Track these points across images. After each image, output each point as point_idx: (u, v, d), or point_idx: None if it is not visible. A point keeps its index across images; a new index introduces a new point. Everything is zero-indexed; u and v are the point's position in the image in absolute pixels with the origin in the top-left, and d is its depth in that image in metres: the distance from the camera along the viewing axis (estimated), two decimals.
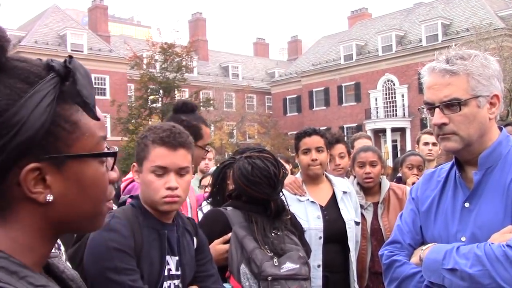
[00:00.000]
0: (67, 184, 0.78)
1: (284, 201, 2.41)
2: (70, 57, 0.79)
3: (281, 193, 2.38)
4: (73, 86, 0.77)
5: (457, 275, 1.55)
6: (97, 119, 0.80)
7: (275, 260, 2.14)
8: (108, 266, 1.71)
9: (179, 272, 1.90)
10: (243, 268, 2.14)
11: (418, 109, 1.80)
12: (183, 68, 28.07)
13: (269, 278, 2.07)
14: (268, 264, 2.11)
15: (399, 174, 4.66)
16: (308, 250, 2.42)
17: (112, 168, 0.87)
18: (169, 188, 1.83)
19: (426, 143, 4.72)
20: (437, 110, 1.68)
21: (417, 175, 4.25)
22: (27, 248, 0.78)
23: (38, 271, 0.80)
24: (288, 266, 2.13)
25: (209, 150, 2.73)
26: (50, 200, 0.77)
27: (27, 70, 0.76)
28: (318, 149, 3.09)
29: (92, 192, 0.82)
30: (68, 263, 0.93)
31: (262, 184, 2.27)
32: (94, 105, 0.79)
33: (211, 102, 29.94)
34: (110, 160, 0.86)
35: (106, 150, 0.84)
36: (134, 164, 1.94)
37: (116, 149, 0.88)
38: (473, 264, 1.52)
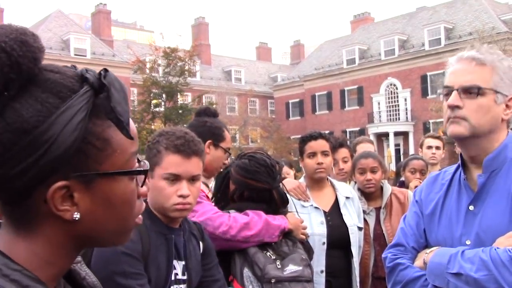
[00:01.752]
0: (95, 202, 0.76)
1: (286, 192, 2.43)
2: (106, 70, 0.76)
3: (280, 184, 2.40)
4: (106, 101, 0.73)
5: (462, 279, 1.53)
6: (131, 138, 0.77)
7: (278, 262, 2.14)
8: (116, 270, 1.70)
9: (185, 277, 1.89)
10: (246, 271, 2.13)
11: (438, 92, 1.81)
12: (186, 72, 28.13)
13: (273, 281, 2.07)
14: (271, 267, 2.10)
15: (402, 178, 4.65)
16: (310, 254, 2.43)
17: (143, 184, 0.84)
18: (181, 196, 1.84)
19: (430, 147, 4.71)
20: (454, 92, 1.66)
21: (419, 179, 4.24)
22: (46, 263, 0.76)
23: (55, 283, 0.79)
24: (291, 268, 2.13)
25: (231, 153, 2.77)
26: (77, 219, 0.75)
27: (59, 83, 0.73)
28: (324, 153, 3.09)
29: (119, 210, 0.79)
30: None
31: (262, 173, 2.29)
32: (128, 123, 0.75)
33: (214, 106, 29.95)
34: (142, 177, 0.84)
35: (137, 166, 0.82)
36: None
37: (147, 165, 0.85)
38: (479, 269, 1.51)
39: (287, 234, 2.30)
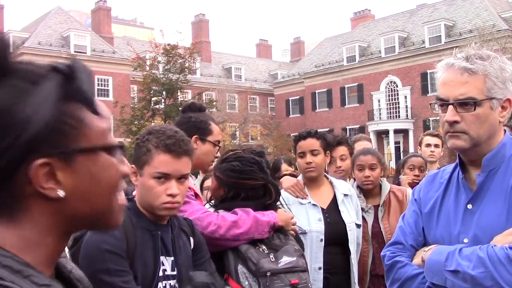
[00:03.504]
0: (78, 178, 0.80)
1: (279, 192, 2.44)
2: (74, 58, 0.83)
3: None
4: (76, 85, 0.79)
5: (459, 277, 1.55)
6: (97, 113, 0.82)
7: (271, 255, 2.14)
8: (100, 268, 1.72)
9: (175, 273, 1.91)
10: (241, 268, 2.13)
11: (430, 104, 1.79)
12: (186, 69, 28.03)
13: (268, 274, 2.07)
14: (265, 261, 2.11)
15: (401, 176, 4.65)
16: (302, 246, 2.44)
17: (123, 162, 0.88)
18: (170, 195, 1.85)
19: (428, 145, 4.72)
20: (450, 107, 1.66)
21: (418, 176, 4.24)
22: (35, 245, 0.78)
23: (50, 269, 0.81)
24: (286, 260, 2.13)
25: (221, 146, 2.73)
26: (62, 196, 0.78)
27: (31, 71, 0.78)
28: (313, 152, 3.08)
29: (103, 186, 0.83)
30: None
31: (255, 170, 2.30)
32: (95, 102, 0.81)
33: (214, 103, 29.92)
34: (121, 157, 0.88)
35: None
36: (132, 165, 1.93)
37: (123, 142, 0.88)
38: (476, 266, 1.52)
39: (277, 229, 2.31)
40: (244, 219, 2.19)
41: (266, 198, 2.33)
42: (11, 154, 0.74)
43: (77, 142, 0.79)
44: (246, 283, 2.10)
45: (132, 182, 1.97)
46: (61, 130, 0.77)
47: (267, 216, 2.27)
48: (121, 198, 0.87)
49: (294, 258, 2.16)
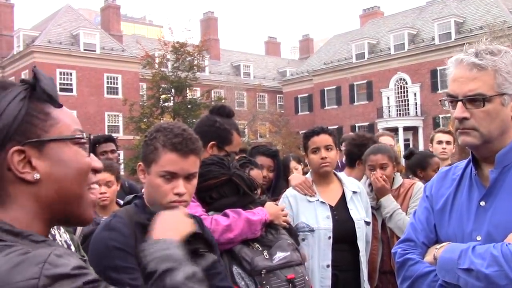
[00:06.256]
0: (51, 164, 0.95)
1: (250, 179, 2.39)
2: (35, 67, 1.02)
3: (242, 172, 2.37)
4: (40, 88, 0.96)
5: (473, 275, 1.52)
6: (60, 106, 0.99)
7: (265, 253, 2.13)
8: (108, 264, 1.71)
9: None
10: (236, 268, 2.12)
11: (440, 100, 1.77)
12: (194, 67, 28.13)
13: (263, 272, 2.05)
14: (259, 259, 2.09)
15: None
16: (297, 238, 2.44)
17: (89, 156, 1.02)
18: (177, 194, 1.83)
19: (440, 142, 4.68)
20: (459, 103, 1.63)
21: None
22: (26, 226, 0.92)
23: None
24: (280, 256, 2.12)
25: (233, 157, 2.68)
26: (37, 178, 0.94)
27: (2, 81, 0.98)
28: (327, 148, 3.08)
29: (73, 171, 0.98)
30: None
31: (213, 170, 2.28)
32: (57, 97, 0.99)
33: (223, 101, 29.95)
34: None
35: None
36: (140, 163, 1.92)
37: (89, 135, 1.04)
38: (490, 265, 1.49)
39: (269, 224, 2.29)
40: (235, 221, 2.18)
41: (240, 192, 2.30)
42: None
43: (47, 133, 0.95)
44: (243, 283, 2.08)
45: (141, 179, 1.96)
46: (31, 122, 0.94)
47: (258, 215, 2.25)
48: (92, 194, 1.02)
49: (288, 253, 2.14)
